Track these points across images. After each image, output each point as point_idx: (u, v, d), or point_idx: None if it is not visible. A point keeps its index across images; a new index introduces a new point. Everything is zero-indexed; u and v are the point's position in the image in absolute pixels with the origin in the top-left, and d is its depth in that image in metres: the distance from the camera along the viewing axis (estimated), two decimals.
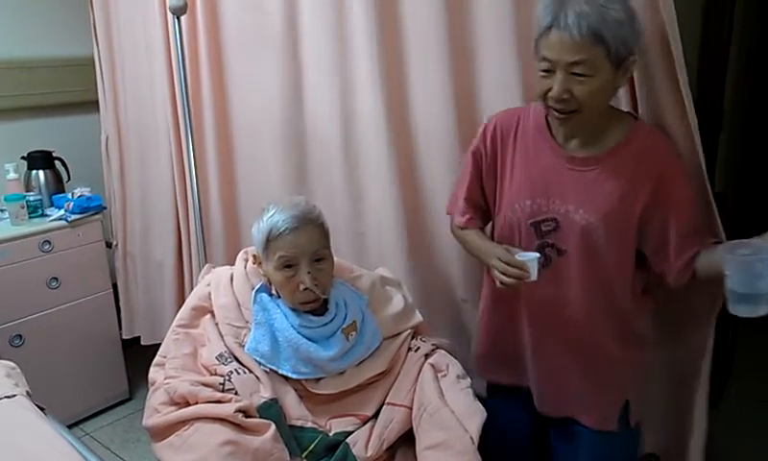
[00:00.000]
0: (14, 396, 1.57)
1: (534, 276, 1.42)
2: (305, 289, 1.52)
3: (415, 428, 1.47)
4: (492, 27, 1.69)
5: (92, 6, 2.64)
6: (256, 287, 1.61)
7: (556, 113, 1.36)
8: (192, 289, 2.21)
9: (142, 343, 2.77)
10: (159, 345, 1.67)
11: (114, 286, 2.81)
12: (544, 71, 1.32)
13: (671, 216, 1.38)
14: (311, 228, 1.55)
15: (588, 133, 1.41)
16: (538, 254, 1.44)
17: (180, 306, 1.74)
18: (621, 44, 1.26)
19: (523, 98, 1.68)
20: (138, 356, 2.73)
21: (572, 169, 1.43)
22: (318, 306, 1.57)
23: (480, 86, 1.77)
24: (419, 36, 1.79)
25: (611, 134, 1.41)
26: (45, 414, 1.55)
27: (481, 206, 1.63)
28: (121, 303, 2.86)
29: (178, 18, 2.05)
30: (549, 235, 1.47)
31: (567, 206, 1.43)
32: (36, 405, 1.57)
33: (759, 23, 3.58)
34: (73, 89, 2.88)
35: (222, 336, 1.58)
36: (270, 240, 1.54)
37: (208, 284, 1.71)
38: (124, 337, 2.84)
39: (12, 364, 1.76)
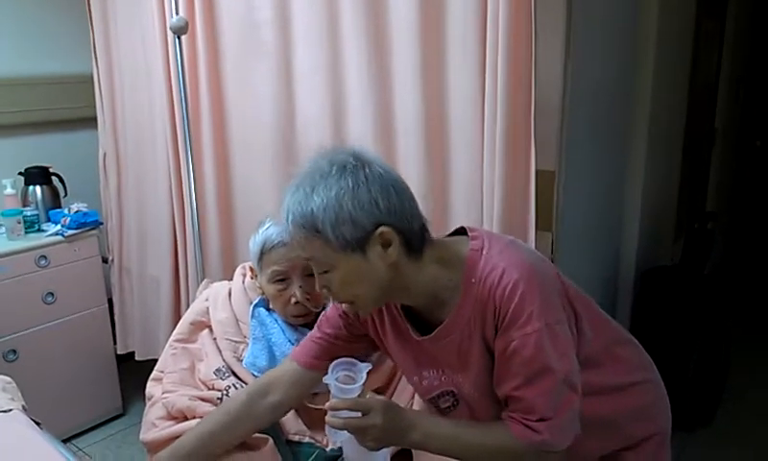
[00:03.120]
0: (10, 410, 1.57)
1: None
2: (297, 303, 1.53)
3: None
4: (468, 42, 1.70)
5: (92, 24, 2.66)
6: (254, 302, 1.62)
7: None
8: (188, 305, 2.22)
9: (136, 358, 2.76)
10: (154, 360, 1.68)
11: (110, 301, 2.80)
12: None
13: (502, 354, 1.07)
14: None
15: (424, 303, 1.16)
16: None
17: (176, 322, 1.75)
18: (342, 227, 1.03)
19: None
20: (132, 372, 2.73)
21: (431, 345, 1.17)
22: (312, 320, 1.58)
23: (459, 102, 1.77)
24: (407, 55, 1.81)
25: (447, 292, 1.12)
26: (41, 429, 1.55)
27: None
28: (116, 319, 2.86)
29: (178, 37, 2.08)
30: (449, 413, 1.22)
31: (459, 377, 1.17)
32: (32, 420, 1.57)
33: (748, 48, 3.65)
34: (72, 106, 2.89)
35: (220, 351, 1.59)
36: (264, 253, 1.56)
37: (206, 299, 1.72)
38: (118, 352, 2.83)
39: (7, 378, 1.75)
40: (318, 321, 1.36)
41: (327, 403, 1.08)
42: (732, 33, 3.41)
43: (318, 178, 1.05)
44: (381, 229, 1.05)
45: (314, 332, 1.35)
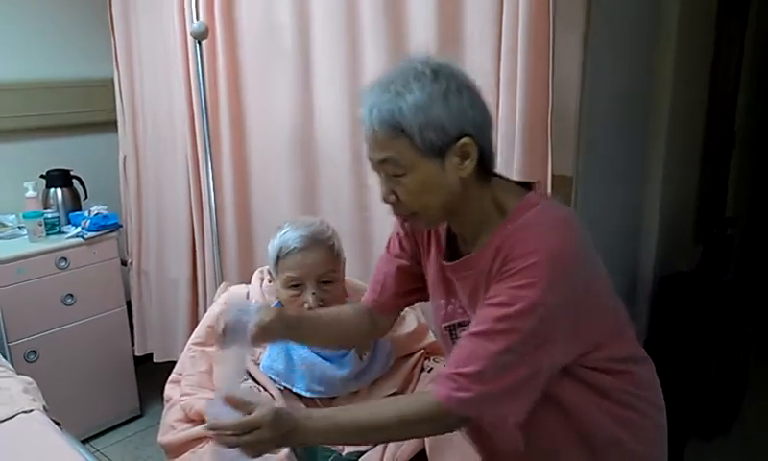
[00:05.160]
0: (31, 411, 1.59)
1: None
2: (310, 309, 1.54)
3: (428, 449, 1.47)
4: (485, 41, 1.70)
5: (113, 29, 2.69)
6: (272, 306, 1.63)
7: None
8: (206, 308, 2.24)
9: (154, 360, 2.79)
10: (171, 362, 1.69)
11: (128, 304, 2.83)
12: (375, 170, 1.11)
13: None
14: (321, 249, 1.57)
15: (467, 232, 1.15)
16: None
17: (194, 325, 1.77)
18: (430, 130, 1.02)
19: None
20: (150, 373, 2.75)
21: (451, 274, 1.18)
22: None
23: None
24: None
25: (485, 230, 1.11)
26: (61, 429, 1.57)
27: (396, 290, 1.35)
28: (134, 321, 2.89)
29: (199, 43, 2.10)
30: None
31: (472, 314, 1.14)
32: (53, 420, 1.59)
33: None
34: (92, 110, 2.93)
35: None
36: (280, 257, 1.57)
37: (224, 302, 1.73)
38: (136, 354, 2.86)
39: (29, 379, 1.78)
40: (376, 266, 1.38)
41: (207, 425, 1.04)
42: (755, 33, 3.36)
43: (411, 78, 1.04)
44: (464, 139, 1.04)
45: (373, 276, 1.38)
